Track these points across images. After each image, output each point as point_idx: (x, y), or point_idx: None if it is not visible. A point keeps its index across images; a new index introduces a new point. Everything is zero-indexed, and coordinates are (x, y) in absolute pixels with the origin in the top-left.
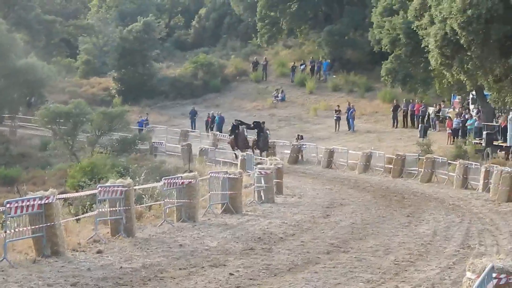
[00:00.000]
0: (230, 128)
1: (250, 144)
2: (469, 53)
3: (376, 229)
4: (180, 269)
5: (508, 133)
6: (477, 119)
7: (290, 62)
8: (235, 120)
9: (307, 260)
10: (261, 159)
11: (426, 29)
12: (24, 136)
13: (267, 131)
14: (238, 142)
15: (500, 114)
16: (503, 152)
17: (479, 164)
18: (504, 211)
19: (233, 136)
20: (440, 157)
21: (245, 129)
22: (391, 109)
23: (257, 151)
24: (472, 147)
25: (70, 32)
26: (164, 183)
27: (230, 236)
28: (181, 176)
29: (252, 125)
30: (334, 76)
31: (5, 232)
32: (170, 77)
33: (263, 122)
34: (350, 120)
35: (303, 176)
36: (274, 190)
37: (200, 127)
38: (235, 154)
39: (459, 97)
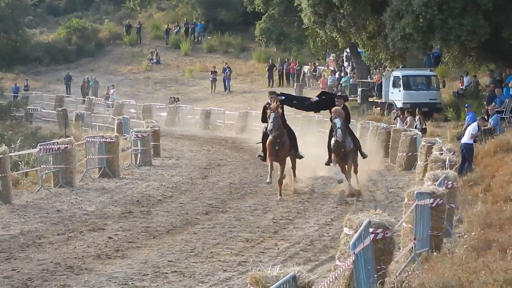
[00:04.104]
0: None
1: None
2: (341, 11)
3: (254, 188)
4: (58, 234)
5: (383, 90)
6: (351, 76)
7: (164, 24)
8: (271, 93)
9: (186, 222)
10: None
11: None
12: None
13: (337, 119)
14: (267, 143)
15: (374, 70)
16: (379, 108)
17: (354, 120)
18: (380, 166)
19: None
20: (316, 115)
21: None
22: (266, 69)
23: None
24: (348, 104)
25: None
26: (40, 149)
27: (108, 200)
28: (57, 142)
29: (317, 98)
30: (209, 37)
31: None
32: (43, 43)
33: (341, 96)
34: (226, 80)
35: (180, 138)
36: (151, 152)
37: (75, 92)
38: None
39: (334, 55)
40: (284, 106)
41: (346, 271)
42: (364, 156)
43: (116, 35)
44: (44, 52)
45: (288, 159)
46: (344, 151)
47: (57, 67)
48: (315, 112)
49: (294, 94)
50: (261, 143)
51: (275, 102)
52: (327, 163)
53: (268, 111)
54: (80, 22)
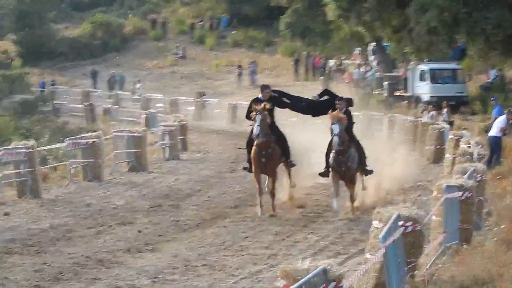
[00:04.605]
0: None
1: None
2: (366, 5)
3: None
4: (88, 228)
5: (409, 83)
6: (377, 70)
7: (189, 19)
8: (264, 87)
9: (215, 215)
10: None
11: None
12: None
13: (335, 125)
14: (252, 155)
15: (400, 64)
16: (405, 101)
17: (382, 114)
18: (409, 160)
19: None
20: None
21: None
22: (293, 63)
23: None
24: (374, 98)
25: None
26: (68, 144)
27: (137, 194)
28: (85, 136)
29: (317, 96)
30: (234, 32)
31: None
32: (68, 38)
33: (343, 98)
34: (253, 75)
35: (208, 132)
36: (179, 147)
37: (101, 87)
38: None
39: (359, 48)
40: (276, 105)
41: (376, 264)
42: (367, 173)
43: (140, 30)
44: (69, 47)
45: (282, 168)
46: (346, 170)
47: (82, 62)
48: (313, 116)
49: (294, 94)
50: (246, 150)
51: (266, 98)
52: (324, 175)
53: (253, 112)
54: (104, 17)
